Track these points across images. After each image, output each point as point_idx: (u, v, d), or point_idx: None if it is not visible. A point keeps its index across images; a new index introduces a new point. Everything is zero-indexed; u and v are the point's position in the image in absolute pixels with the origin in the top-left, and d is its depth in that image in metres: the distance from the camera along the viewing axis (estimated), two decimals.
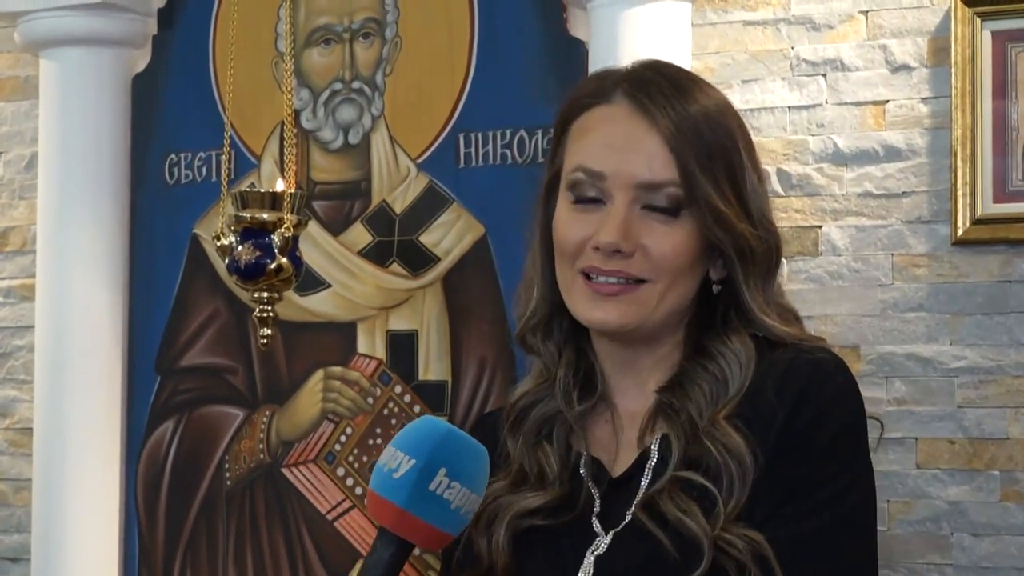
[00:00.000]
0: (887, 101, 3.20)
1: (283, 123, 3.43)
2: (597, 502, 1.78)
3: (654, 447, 1.76)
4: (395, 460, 1.54)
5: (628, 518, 1.74)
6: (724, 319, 1.79)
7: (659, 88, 1.76)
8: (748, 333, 1.78)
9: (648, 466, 1.75)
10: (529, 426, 1.85)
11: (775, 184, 3.26)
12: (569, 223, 1.76)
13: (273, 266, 3.16)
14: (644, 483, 1.74)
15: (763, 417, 1.72)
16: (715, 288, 1.80)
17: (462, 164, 3.51)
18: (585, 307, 1.76)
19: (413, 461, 1.53)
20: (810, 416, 1.72)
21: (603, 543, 1.75)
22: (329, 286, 3.64)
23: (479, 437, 1.90)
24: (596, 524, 1.76)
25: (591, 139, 1.77)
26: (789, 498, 1.70)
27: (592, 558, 1.74)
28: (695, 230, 1.73)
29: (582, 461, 1.81)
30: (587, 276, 1.75)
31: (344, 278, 3.63)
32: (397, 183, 3.58)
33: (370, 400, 3.59)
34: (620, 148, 1.74)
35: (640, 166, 1.72)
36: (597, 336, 1.83)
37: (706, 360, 1.77)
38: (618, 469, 1.80)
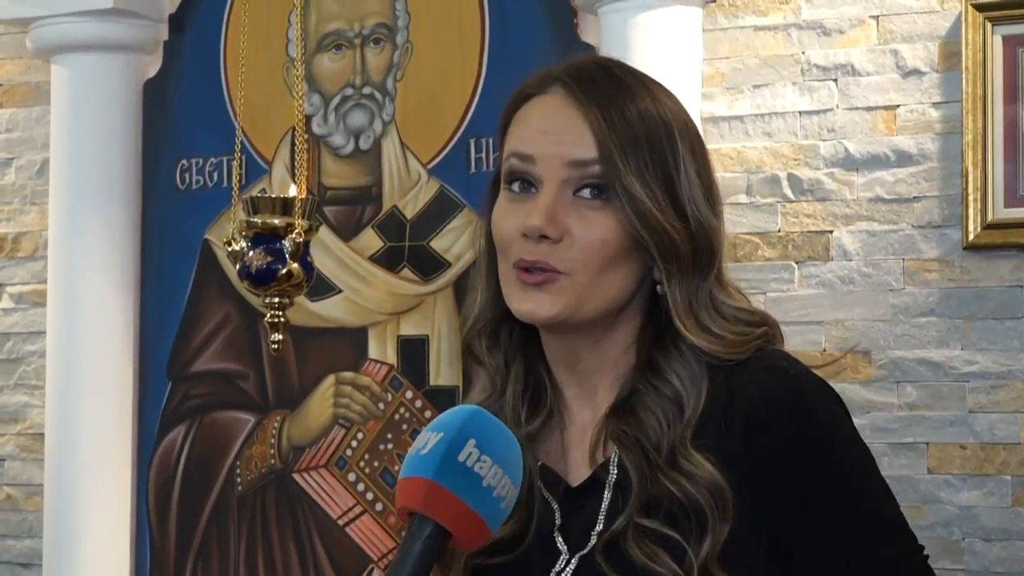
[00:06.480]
0: (898, 106, 3.20)
1: (294, 129, 3.43)
2: (557, 514, 1.73)
3: (613, 461, 1.72)
4: (423, 441, 1.50)
5: (593, 540, 1.69)
6: (667, 327, 1.75)
7: (594, 78, 1.76)
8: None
9: (608, 483, 1.71)
10: None
11: (786, 189, 3.26)
12: (504, 215, 1.74)
13: (284, 271, 3.16)
14: (605, 502, 1.70)
15: (723, 444, 1.68)
16: (659, 289, 1.77)
17: (473, 169, 3.51)
18: (517, 299, 1.72)
19: (441, 434, 1.49)
20: (813, 452, 1.68)
21: (569, 567, 1.69)
22: (340, 291, 3.64)
23: None
24: (559, 540, 1.73)
25: (525, 126, 1.76)
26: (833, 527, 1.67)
27: None
28: (621, 221, 1.72)
29: (534, 470, 1.74)
30: (519, 268, 1.74)
31: (355, 283, 3.63)
32: (408, 188, 3.58)
33: (381, 405, 3.59)
34: (551, 132, 1.74)
35: (566, 147, 1.72)
36: (543, 335, 1.79)
37: (658, 380, 1.72)
38: (574, 480, 1.74)
